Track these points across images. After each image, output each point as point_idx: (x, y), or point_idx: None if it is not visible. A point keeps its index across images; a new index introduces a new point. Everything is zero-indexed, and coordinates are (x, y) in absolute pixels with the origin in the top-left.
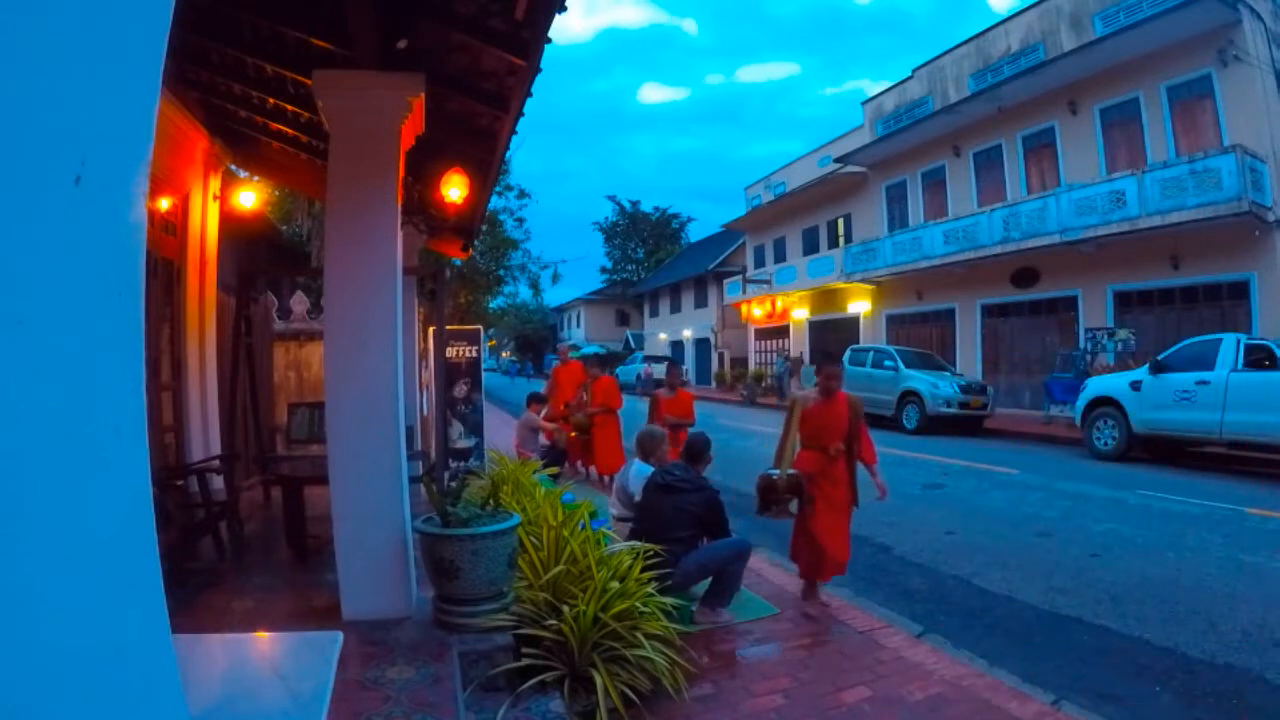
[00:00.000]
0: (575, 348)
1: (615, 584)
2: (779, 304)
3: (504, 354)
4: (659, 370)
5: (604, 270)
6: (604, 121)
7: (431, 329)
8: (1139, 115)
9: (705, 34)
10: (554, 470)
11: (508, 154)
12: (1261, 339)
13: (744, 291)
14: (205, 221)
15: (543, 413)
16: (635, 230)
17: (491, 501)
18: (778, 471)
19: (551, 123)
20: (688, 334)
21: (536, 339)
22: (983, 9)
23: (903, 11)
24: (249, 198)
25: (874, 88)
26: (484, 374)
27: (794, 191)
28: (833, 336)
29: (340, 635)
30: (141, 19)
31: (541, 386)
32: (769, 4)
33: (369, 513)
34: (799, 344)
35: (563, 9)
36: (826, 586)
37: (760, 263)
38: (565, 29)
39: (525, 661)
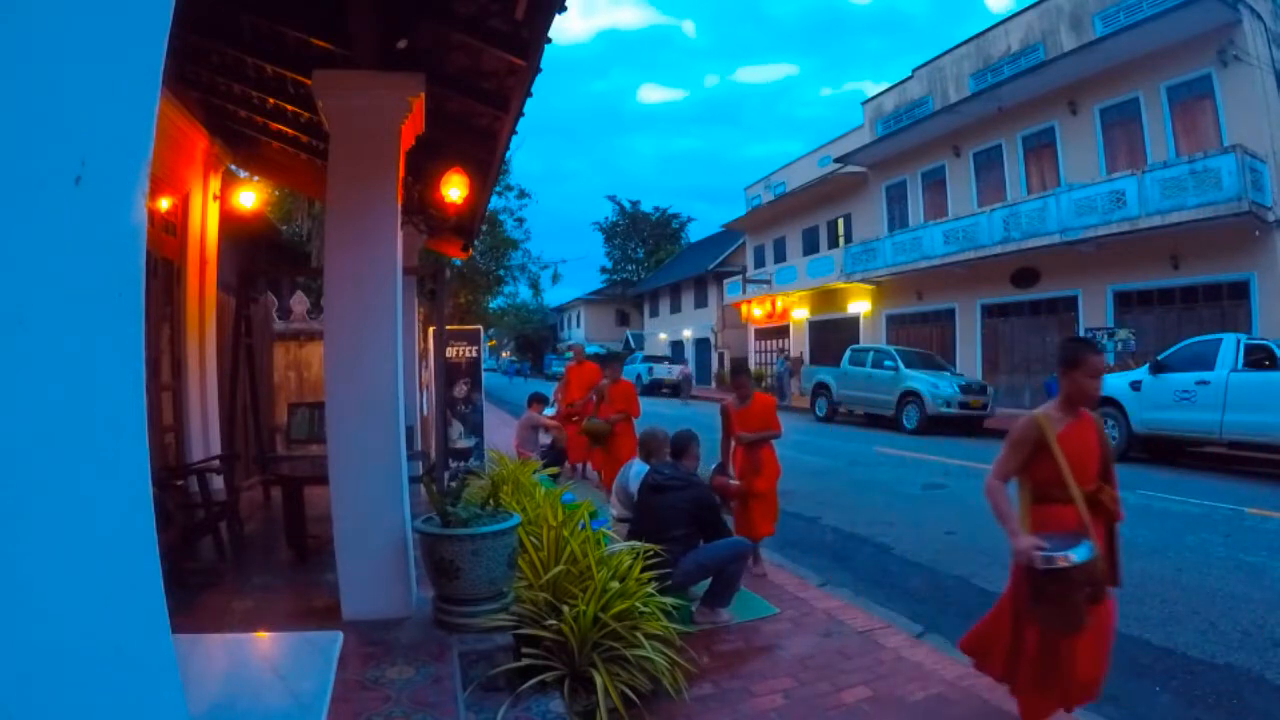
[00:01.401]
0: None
1: (615, 584)
2: (779, 304)
3: (504, 354)
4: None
5: (604, 270)
6: (603, 122)
7: (431, 329)
8: (1139, 115)
9: (703, 35)
10: (554, 470)
11: (508, 154)
12: (1261, 339)
13: (744, 291)
14: (205, 221)
15: (545, 412)
16: (635, 230)
17: (491, 501)
18: (1086, 549)
19: (550, 123)
20: (688, 334)
21: (536, 339)
22: (980, 10)
23: (901, 12)
24: (249, 198)
25: (872, 88)
26: (484, 374)
27: (794, 191)
28: (833, 336)
29: (340, 635)
30: (141, 19)
31: (540, 386)
32: (767, 5)
33: (369, 513)
34: (799, 344)
35: (562, 9)
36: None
37: (760, 263)
38: (563, 30)
39: (525, 661)
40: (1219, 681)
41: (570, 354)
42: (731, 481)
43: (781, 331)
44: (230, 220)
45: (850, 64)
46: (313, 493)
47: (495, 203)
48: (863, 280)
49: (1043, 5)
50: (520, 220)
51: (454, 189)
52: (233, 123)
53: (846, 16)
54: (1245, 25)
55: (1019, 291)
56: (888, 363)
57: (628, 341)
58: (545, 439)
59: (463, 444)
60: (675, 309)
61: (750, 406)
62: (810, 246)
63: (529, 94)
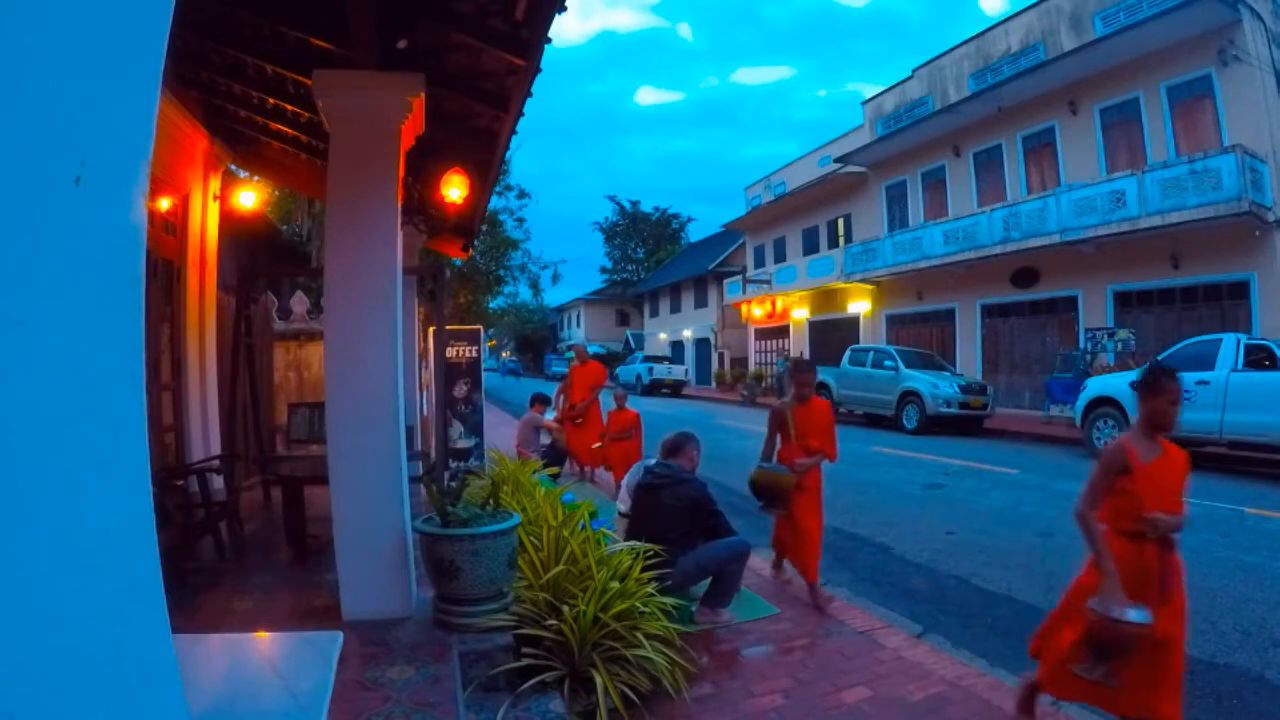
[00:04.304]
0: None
1: (615, 584)
2: (779, 304)
3: (504, 354)
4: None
5: (604, 270)
6: (601, 124)
7: (431, 329)
8: (1139, 115)
9: (700, 37)
10: (554, 470)
11: (508, 154)
12: (1261, 339)
13: (744, 291)
14: (205, 221)
15: (546, 415)
16: (635, 230)
17: (491, 501)
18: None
19: (549, 125)
20: (688, 334)
21: (536, 339)
22: (976, 12)
23: (896, 14)
24: (249, 198)
25: (868, 90)
26: (484, 374)
27: (794, 191)
28: (833, 336)
29: (340, 635)
30: (141, 19)
31: (538, 386)
32: (763, 7)
33: (369, 513)
34: (799, 344)
35: (562, 9)
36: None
37: (760, 263)
38: (561, 32)
39: (525, 661)
40: (1219, 681)
41: (571, 354)
42: (1128, 617)
43: (781, 331)
44: (230, 220)
45: (846, 66)
46: (313, 493)
47: (495, 203)
48: (863, 280)
49: (1043, 5)
50: (520, 220)
51: (454, 189)
52: (233, 123)
53: (842, 19)
54: (1245, 25)
55: (1019, 291)
56: (888, 363)
57: (628, 341)
58: (545, 439)
59: (463, 444)
60: (675, 309)
61: (1163, 461)
62: (810, 246)
63: (529, 94)
